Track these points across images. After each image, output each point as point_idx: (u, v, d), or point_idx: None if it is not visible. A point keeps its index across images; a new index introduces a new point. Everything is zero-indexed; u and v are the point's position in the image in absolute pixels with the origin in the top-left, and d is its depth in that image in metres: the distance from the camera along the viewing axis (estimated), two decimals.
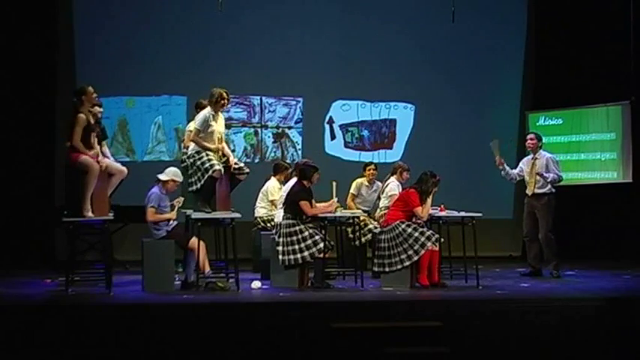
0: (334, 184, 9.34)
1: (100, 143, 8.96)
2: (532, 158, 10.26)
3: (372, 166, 10.87)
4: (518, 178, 10.46)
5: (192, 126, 9.54)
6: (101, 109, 9.16)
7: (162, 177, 9.02)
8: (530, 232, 10.21)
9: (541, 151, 10.27)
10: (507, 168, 10.36)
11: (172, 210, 9.03)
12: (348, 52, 12.64)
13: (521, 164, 10.45)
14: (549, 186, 10.07)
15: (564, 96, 12.31)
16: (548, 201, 10.07)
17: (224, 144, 9.28)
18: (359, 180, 10.78)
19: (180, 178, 9.07)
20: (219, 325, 7.47)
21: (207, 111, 9.16)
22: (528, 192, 10.21)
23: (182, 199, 9.10)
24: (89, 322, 7.44)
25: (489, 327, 7.66)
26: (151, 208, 8.88)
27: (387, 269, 9.13)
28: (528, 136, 10.46)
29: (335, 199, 9.36)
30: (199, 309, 7.89)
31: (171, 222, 9.00)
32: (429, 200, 9.30)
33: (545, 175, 10.03)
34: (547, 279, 9.90)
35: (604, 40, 12.33)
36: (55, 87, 11.87)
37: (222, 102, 9.16)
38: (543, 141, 10.42)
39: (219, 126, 9.16)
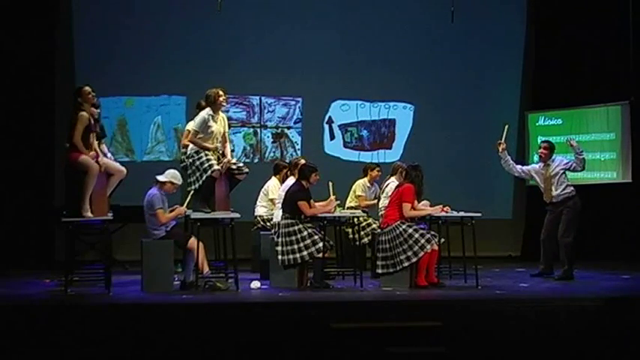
0: (331, 184, 9.33)
1: (99, 142, 8.97)
2: (544, 166, 10.07)
3: (378, 167, 10.85)
4: (517, 174, 10.32)
5: (190, 125, 9.53)
6: (98, 110, 9.09)
7: (161, 178, 9.00)
8: (549, 235, 10.02)
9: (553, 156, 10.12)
10: (509, 157, 10.12)
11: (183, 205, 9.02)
12: (348, 52, 12.64)
13: (531, 170, 10.28)
14: (568, 189, 9.88)
15: (564, 96, 12.31)
16: (574, 204, 9.90)
17: (227, 144, 9.29)
18: (360, 181, 10.76)
19: (179, 181, 9.05)
20: (218, 325, 7.46)
21: (206, 112, 9.16)
22: (546, 199, 10.00)
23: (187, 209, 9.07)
24: (89, 322, 7.43)
25: (489, 327, 7.65)
26: (160, 210, 8.85)
27: (391, 270, 9.10)
28: (542, 145, 10.21)
29: (333, 197, 9.36)
30: (199, 309, 7.87)
31: (170, 221, 9.01)
32: (419, 210, 9.23)
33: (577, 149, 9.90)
34: (547, 279, 9.89)
35: (603, 40, 12.32)
36: (54, 87, 11.86)
37: (220, 100, 9.17)
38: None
39: (219, 126, 9.17)
